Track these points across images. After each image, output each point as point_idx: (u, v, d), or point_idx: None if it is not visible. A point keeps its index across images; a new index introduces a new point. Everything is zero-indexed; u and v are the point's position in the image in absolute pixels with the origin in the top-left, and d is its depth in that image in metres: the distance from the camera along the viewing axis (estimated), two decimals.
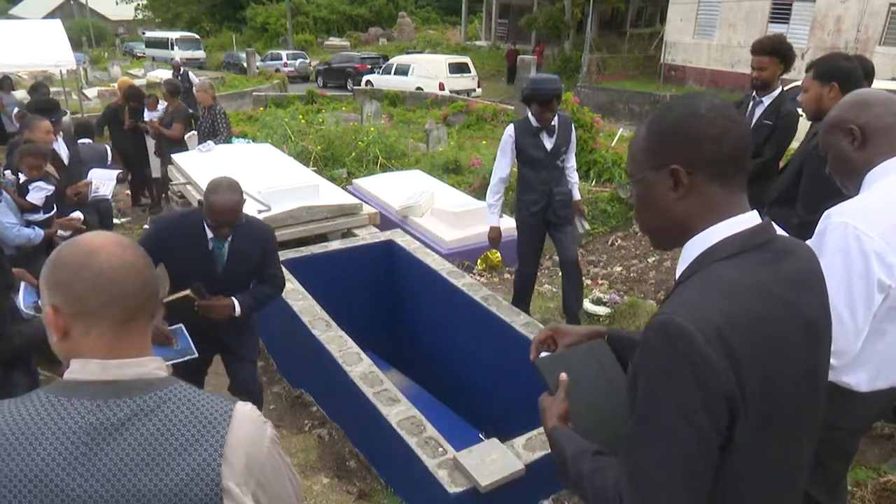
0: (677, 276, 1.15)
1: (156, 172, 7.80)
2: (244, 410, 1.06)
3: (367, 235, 4.79)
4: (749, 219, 1.10)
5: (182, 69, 12.17)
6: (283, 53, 29.21)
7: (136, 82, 12.80)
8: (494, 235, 4.28)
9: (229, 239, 2.81)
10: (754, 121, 3.79)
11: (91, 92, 17.99)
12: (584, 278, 5.64)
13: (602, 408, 1.27)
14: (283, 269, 3.13)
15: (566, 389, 1.26)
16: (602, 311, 4.55)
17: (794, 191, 2.94)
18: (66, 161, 4.80)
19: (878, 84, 4.05)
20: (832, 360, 1.71)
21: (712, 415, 0.98)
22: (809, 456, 1.18)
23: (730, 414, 0.99)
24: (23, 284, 2.83)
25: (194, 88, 7.78)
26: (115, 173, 4.97)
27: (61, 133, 4.87)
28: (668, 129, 1.11)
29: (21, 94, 10.28)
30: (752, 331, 1.00)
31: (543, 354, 1.37)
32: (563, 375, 1.27)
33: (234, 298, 2.83)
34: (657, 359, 1.00)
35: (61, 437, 0.95)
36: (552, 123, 3.97)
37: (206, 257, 2.82)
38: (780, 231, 1.15)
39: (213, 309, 2.77)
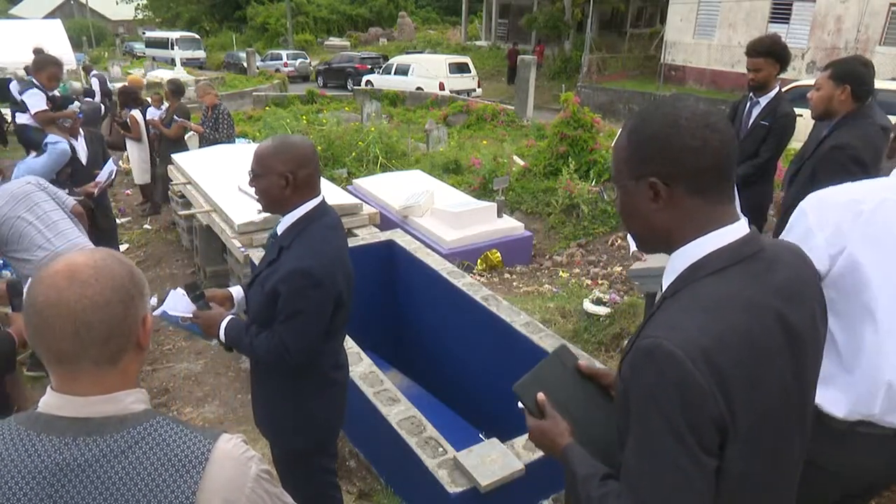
0: (663, 289, 1.13)
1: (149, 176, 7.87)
2: (225, 448, 0.96)
3: (368, 235, 4.78)
4: (737, 230, 1.08)
5: (93, 71, 12.11)
6: (284, 53, 29.25)
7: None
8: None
9: (279, 231, 2.13)
10: (751, 122, 3.79)
11: None
12: (584, 278, 5.65)
13: (581, 412, 1.31)
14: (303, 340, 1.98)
15: (552, 406, 1.28)
16: (602, 311, 4.54)
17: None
18: (84, 161, 4.98)
19: (878, 84, 4.05)
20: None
21: (704, 438, 0.97)
22: (799, 471, 1.18)
23: (720, 435, 0.99)
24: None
25: (114, 92, 8.16)
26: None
27: (81, 134, 5.05)
28: (647, 140, 1.08)
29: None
30: (740, 347, 0.99)
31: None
32: (541, 395, 1.29)
33: (225, 319, 2.06)
34: (646, 385, 1.00)
35: (27, 477, 0.89)
36: None
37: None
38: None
39: (200, 321, 2.08)
